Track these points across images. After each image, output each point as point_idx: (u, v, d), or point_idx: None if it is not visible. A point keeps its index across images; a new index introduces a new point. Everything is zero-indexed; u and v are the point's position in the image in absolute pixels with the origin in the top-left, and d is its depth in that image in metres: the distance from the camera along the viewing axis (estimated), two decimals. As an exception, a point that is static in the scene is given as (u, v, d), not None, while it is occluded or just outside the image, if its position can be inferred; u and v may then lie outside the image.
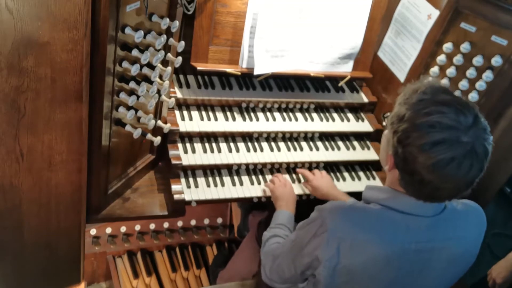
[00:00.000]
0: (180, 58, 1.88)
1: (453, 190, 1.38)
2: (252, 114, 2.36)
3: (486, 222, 1.59)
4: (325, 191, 2.17)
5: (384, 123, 1.79)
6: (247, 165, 2.26)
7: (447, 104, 1.34)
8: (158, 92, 1.89)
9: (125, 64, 1.68)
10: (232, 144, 2.28)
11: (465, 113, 1.33)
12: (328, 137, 2.47)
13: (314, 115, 2.47)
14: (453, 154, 1.29)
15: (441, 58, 2.11)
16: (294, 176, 2.33)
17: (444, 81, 2.12)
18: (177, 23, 1.78)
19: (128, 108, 1.81)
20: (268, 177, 2.28)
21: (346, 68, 2.44)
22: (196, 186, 2.16)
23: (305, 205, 2.26)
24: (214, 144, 2.25)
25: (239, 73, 2.25)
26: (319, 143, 2.43)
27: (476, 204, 1.60)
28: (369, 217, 1.47)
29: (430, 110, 1.33)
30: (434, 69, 2.14)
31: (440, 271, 1.54)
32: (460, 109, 1.33)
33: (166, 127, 2.02)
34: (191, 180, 2.17)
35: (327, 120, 2.48)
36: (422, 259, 1.48)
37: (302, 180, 2.30)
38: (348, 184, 2.38)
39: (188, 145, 2.21)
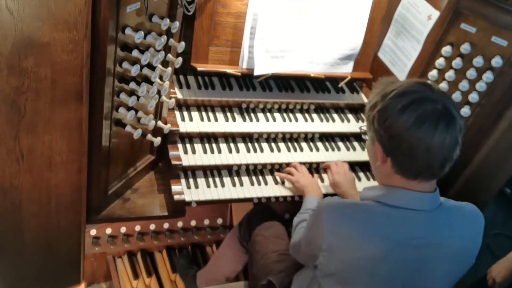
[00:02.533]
0: (180, 59, 1.88)
1: (445, 150, 1.39)
2: (252, 114, 2.36)
3: (483, 222, 1.58)
4: (344, 189, 2.16)
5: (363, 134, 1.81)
6: (247, 165, 2.26)
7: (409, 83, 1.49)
8: (158, 92, 1.89)
9: (125, 64, 1.68)
10: (232, 145, 2.28)
11: (427, 85, 1.46)
12: (328, 138, 2.47)
13: (314, 115, 2.47)
14: (427, 108, 1.38)
15: (441, 59, 2.11)
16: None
17: (443, 84, 2.12)
18: (177, 23, 1.78)
19: (128, 108, 1.81)
20: (269, 177, 2.28)
21: (346, 69, 2.44)
22: (196, 186, 2.16)
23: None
24: (214, 145, 2.25)
25: (239, 74, 2.25)
26: (319, 144, 2.43)
27: (473, 205, 1.60)
28: (363, 212, 1.48)
29: (395, 87, 1.46)
30: (434, 70, 2.14)
31: (443, 271, 1.53)
32: (423, 83, 1.46)
33: (166, 127, 2.02)
34: (191, 180, 2.17)
35: (327, 120, 2.48)
36: (421, 257, 1.48)
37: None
38: (348, 184, 2.38)
39: (188, 145, 2.21)
